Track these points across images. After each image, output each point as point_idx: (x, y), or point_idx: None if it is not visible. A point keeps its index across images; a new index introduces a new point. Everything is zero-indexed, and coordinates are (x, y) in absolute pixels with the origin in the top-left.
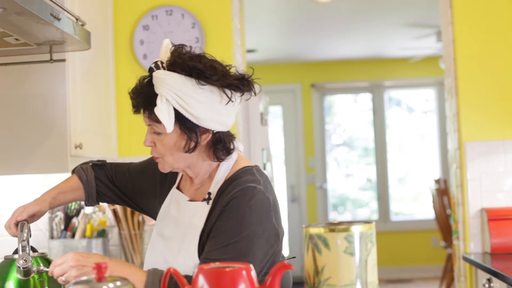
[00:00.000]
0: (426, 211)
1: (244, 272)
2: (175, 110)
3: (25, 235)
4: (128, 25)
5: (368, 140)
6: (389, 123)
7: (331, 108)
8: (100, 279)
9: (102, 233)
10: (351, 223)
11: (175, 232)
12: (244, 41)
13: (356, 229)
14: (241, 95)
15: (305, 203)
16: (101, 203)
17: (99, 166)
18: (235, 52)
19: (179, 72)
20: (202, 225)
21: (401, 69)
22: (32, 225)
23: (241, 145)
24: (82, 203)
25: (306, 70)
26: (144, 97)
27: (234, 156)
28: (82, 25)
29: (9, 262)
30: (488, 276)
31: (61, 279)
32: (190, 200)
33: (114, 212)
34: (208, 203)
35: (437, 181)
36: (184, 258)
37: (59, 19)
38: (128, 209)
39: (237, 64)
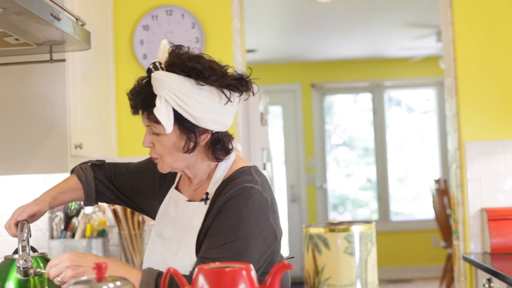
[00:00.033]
0: (426, 211)
1: (244, 272)
2: (174, 110)
3: (25, 235)
4: (128, 25)
5: (368, 140)
6: (389, 123)
7: (331, 108)
8: (100, 279)
9: (102, 233)
10: (351, 223)
11: (174, 232)
12: (244, 41)
13: (356, 229)
14: (240, 95)
15: (305, 203)
16: (101, 203)
17: (98, 166)
18: (235, 52)
19: (178, 73)
20: (200, 225)
21: (401, 69)
22: (32, 225)
23: (239, 146)
24: (82, 203)
25: (306, 70)
26: (142, 98)
27: (232, 156)
28: (82, 25)
29: (9, 262)
30: (488, 276)
31: (57, 280)
32: (189, 201)
33: (114, 212)
34: (205, 203)
35: (437, 181)
36: (182, 258)
37: (59, 19)
38: (128, 209)
39: (237, 64)
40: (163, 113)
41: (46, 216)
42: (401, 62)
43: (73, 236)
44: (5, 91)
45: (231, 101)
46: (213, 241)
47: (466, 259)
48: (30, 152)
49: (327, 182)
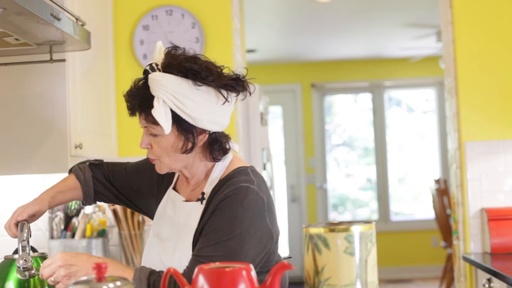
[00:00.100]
0: (426, 211)
1: (244, 272)
2: (172, 111)
3: (25, 235)
4: (128, 25)
5: (368, 140)
6: (389, 123)
7: (331, 108)
8: (100, 279)
9: (102, 233)
10: (351, 223)
11: (171, 232)
12: (244, 41)
13: (356, 229)
14: (237, 95)
15: (305, 203)
16: (101, 203)
17: (96, 166)
18: (235, 52)
19: (175, 74)
20: (196, 225)
21: (401, 69)
22: (32, 225)
23: (236, 146)
24: (81, 202)
25: (306, 70)
26: (140, 100)
27: (229, 156)
28: (82, 25)
29: (9, 262)
30: (488, 276)
31: (50, 280)
32: (186, 201)
33: (114, 212)
34: (202, 203)
35: (437, 181)
36: (179, 258)
37: (59, 19)
38: (128, 209)
39: (237, 64)
40: (161, 114)
41: (46, 216)
42: (401, 62)
43: (73, 236)
44: (5, 91)
45: (228, 101)
46: (207, 239)
47: (466, 259)
48: (30, 152)
49: (327, 182)
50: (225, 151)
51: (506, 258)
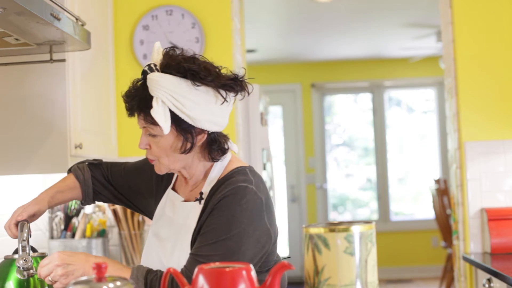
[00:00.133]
0: (426, 211)
1: (244, 272)
2: (170, 111)
3: (25, 235)
4: (128, 25)
5: (368, 140)
6: (389, 123)
7: (331, 108)
8: (100, 279)
9: (102, 233)
10: (351, 223)
11: (170, 232)
12: (244, 41)
13: (356, 229)
14: (235, 95)
15: (305, 203)
16: (101, 203)
17: (95, 165)
18: (235, 52)
19: (173, 74)
20: (194, 225)
21: (401, 69)
22: (32, 225)
23: (235, 146)
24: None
25: (306, 70)
26: (138, 100)
27: (228, 156)
28: (82, 25)
29: (9, 262)
30: (488, 276)
31: (48, 279)
32: (185, 201)
33: (114, 212)
34: (200, 203)
35: (437, 181)
36: (178, 258)
37: (59, 19)
38: (128, 209)
39: (237, 64)
40: (160, 114)
41: (46, 216)
42: (401, 62)
43: (73, 236)
44: (5, 91)
45: (227, 101)
46: (205, 238)
47: (466, 259)
48: (30, 152)
49: (327, 182)
50: (223, 151)
51: (506, 258)
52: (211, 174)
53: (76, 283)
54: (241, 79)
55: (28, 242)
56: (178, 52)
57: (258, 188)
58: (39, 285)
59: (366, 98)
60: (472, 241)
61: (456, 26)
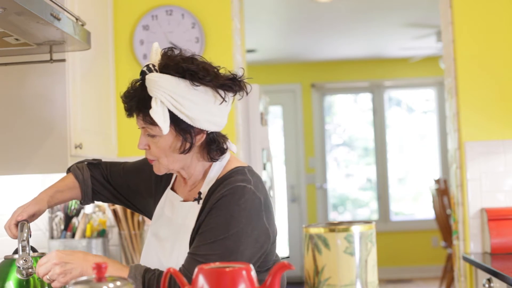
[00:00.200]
0: (426, 211)
1: (244, 272)
2: (169, 111)
3: (25, 235)
4: (128, 25)
5: (368, 140)
6: (389, 123)
7: (331, 108)
8: (100, 279)
9: (102, 233)
10: (351, 223)
11: (169, 232)
12: (244, 41)
13: (356, 229)
14: (234, 95)
15: (305, 203)
16: (101, 203)
17: (94, 165)
18: (235, 52)
19: (172, 74)
20: (193, 225)
21: (401, 69)
22: (32, 225)
23: (234, 146)
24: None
25: (306, 70)
26: (137, 101)
27: (227, 156)
28: (82, 25)
29: (9, 262)
30: (488, 276)
31: (46, 278)
32: (184, 201)
33: (114, 212)
34: (198, 203)
35: (437, 181)
36: (177, 258)
37: (59, 19)
38: (128, 209)
39: (237, 64)
40: (159, 114)
41: (46, 216)
42: (401, 62)
43: (73, 236)
44: (5, 91)
45: (225, 101)
46: (204, 238)
47: (466, 259)
48: (30, 152)
49: (327, 182)
50: (222, 151)
51: (506, 258)
52: (210, 174)
53: (76, 283)
54: (239, 79)
55: (28, 242)
56: (176, 52)
57: (257, 188)
58: (39, 285)
59: (366, 98)
60: (472, 241)
61: (456, 26)
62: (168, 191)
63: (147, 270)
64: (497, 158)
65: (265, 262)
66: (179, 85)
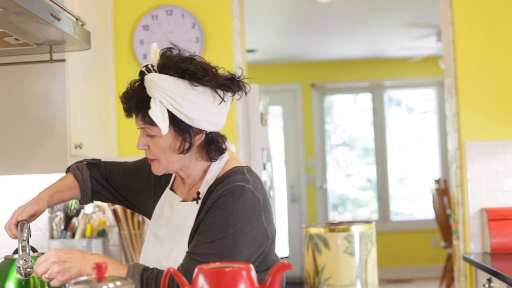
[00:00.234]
0: (426, 211)
1: (244, 272)
2: (168, 112)
3: (25, 235)
4: (128, 25)
5: (368, 140)
6: (389, 123)
7: (331, 108)
8: (100, 279)
9: (102, 233)
10: (351, 223)
11: (168, 232)
12: (244, 41)
13: (356, 229)
14: (233, 95)
15: (305, 203)
16: (101, 203)
17: (93, 165)
18: (235, 52)
19: (171, 74)
20: (192, 225)
21: (401, 69)
22: (32, 225)
23: (232, 146)
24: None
25: (306, 70)
26: (136, 101)
27: (225, 156)
28: (82, 25)
29: (9, 262)
30: (488, 276)
31: (44, 277)
32: (182, 201)
33: (114, 212)
34: (197, 203)
35: (437, 181)
36: (176, 258)
37: (59, 19)
38: (128, 209)
39: (237, 64)
40: (158, 114)
41: (46, 216)
42: (401, 62)
43: (73, 236)
44: (5, 91)
45: (224, 101)
46: (202, 237)
47: (466, 259)
48: (30, 152)
49: (327, 182)
50: (221, 151)
51: (506, 258)
52: (209, 174)
53: (76, 283)
54: (238, 79)
55: (28, 242)
56: (175, 52)
57: (256, 188)
58: (39, 285)
59: (366, 98)
60: (472, 241)
61: (456, 26)
62: (167, 191)
63: (145, 269)
64: (497, 158)
65: (264, 262)
66: (178, 85)
